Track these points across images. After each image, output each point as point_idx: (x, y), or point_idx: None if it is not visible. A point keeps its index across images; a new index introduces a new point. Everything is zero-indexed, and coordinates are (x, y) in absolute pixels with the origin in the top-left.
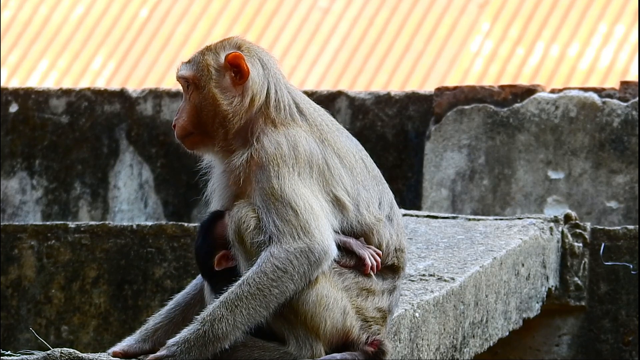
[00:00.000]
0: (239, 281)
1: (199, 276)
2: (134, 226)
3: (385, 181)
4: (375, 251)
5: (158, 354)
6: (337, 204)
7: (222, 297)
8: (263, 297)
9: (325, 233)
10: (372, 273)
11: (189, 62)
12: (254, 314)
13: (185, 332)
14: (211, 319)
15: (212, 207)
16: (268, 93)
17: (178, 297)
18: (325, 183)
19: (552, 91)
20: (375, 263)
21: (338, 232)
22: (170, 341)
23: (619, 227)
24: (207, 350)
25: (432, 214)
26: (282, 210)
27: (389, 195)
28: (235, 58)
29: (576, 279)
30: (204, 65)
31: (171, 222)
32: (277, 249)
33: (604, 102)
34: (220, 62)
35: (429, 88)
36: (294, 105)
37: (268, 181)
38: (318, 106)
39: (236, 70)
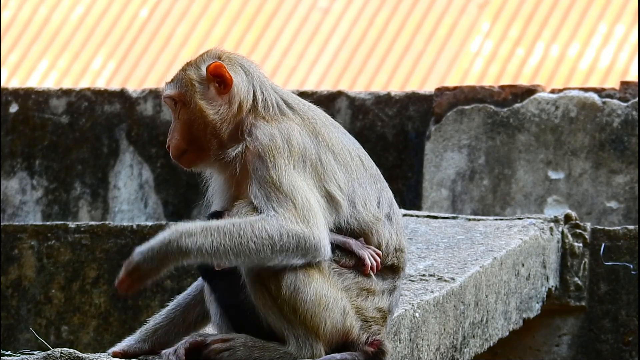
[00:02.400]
0: (229, 218)
1: (200, 278)
2: (134, 226)
3: (384, 180)
4: (374, 251)
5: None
6: (331, 200)
7: (204, 221)
8: (239, 244)
9: (321, 228)
10: (371, 273)
11: (172, 81)
12: (223, 251)
13: (153, 240)
14: (182, 231)
15: (212, 209)
16: (254, 96)
17: (179, 298)
18: (318, 178)
19: (552, 91)
20: (374, 263)
21: (333, 231)
22: (138, 248)
23: (619, 227)
24: (167, 260)
25: (432, 214)
26: (282, 200)
27: (389, 194)
28: (216, 68)
29: (576, 279)
30: (187, 81)
31: (171, 222)
32: (273, 220)
33: (604, 102)
34: (202, 75)
35: (429, 88)
36: (282, 102)
37: (266, 171)
38: (309, 102)
39: (219, 80)
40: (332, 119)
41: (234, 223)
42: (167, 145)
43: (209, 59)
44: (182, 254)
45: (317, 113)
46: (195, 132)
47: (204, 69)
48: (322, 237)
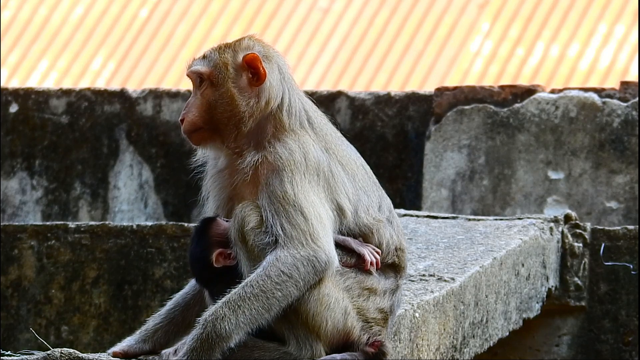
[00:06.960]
0: (242, 283)
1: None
2: (134, 226)
3: (382, 188)
4: (374, 248)
5: None
6: (340, 211)
7: (224, 298)
8: (266, 299)
9: (330, 243)
10: (372, 270)
11: (204, 57)
12: (257, 315)
13: (189, 341)
14: (213, 319)
15: (207, 207)
16: (283, 98)
17: (177, 297)
18: (330, 190)
19: (552, 91)
20: (374, 259)
21: (334, 233)
22: (180, 355)
23: (619, 227)
24: (214, 352)
25: (432, 214)
26: (292, 215)
27: (388, 201)
28: (253, 60)
29: (576, 279)
30: (222, 63)
31: (171, 222)
32: (283, 254)
33: (604, 102)
34: (238, 62)
35: (429, 88)
36: (304, 113)
37: (281, 185)
38: (322, 114)
39: (253, 72)
40: (337, 130)
41: (251, 284)
42: (180, 117)
43: (247, 47)
44: (225, 339)
45: (329, 127)
46: (218, 116)
47: (240, 56)
48: (331, 250)
